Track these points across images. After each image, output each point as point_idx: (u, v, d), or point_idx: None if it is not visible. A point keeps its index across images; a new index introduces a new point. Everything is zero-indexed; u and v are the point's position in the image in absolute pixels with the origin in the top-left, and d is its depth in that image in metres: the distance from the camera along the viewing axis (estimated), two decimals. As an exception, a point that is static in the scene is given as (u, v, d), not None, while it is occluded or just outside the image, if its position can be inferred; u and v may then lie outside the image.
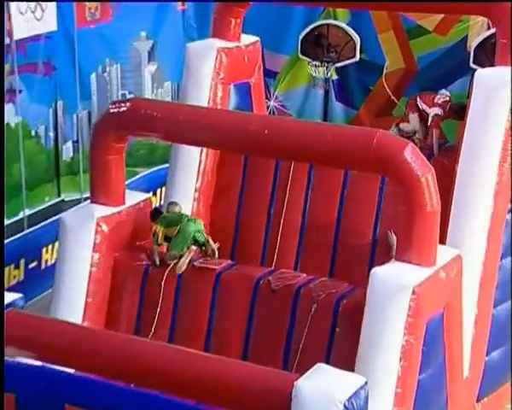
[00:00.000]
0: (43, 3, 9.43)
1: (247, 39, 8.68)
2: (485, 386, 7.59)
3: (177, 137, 7.43)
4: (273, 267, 7.75)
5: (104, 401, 5.77)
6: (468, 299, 7.09)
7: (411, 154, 6.42)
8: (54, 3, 9.58)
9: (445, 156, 7.89)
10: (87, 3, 10.20)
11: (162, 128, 7.22)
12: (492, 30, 9.29)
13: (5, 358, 5.84)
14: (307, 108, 11.76)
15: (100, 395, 5.81)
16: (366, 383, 5.71)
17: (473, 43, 10.31)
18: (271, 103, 11.77)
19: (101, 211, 7.44)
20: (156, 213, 7.64)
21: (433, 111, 7.90)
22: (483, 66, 8.71)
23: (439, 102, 7.90)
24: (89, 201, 7.69)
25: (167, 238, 7.49)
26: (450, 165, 7.58)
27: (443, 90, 8.14)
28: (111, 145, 7.41)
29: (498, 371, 7.72)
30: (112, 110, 7.29)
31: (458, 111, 7.79)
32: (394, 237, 7.27)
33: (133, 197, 7.76)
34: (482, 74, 7.57)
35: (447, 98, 7.96)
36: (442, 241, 6.95)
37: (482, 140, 7.31)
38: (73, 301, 7.31)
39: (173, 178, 8.37)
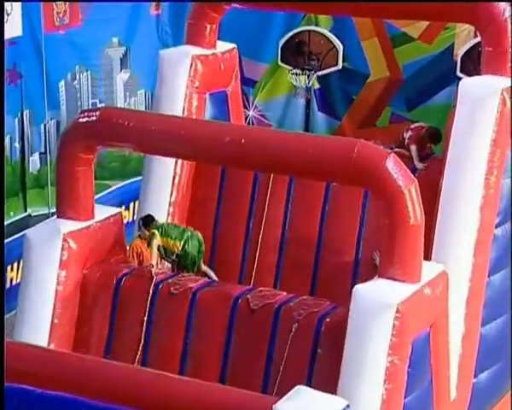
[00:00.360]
0: (8, 7, 9.13)
1: (224, 46, 8.53)
2: (473, 409, 7.35)
3: (149, 147, 7.20)
4: (252, 285, 7.55)
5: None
6: (454, 317, 6.90)
7: (393, 164, 6.24)
8: (19, 7, 9.27)
9: (430, 168, 7.71)
10: (55, 7, 9.91)
11: (134, 138, 7.00)
12: (479, 38, 9.10)
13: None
14: (288, 119, 11.58)
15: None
16: (348, 405, 5.53)
17: (459, 52, 10.19)
18: (250, 113, 11.58)
19: (69, 226, 7.17)
20: (149, 219, 7.45)
21: (408, 134, 8.05)
22: (470, 75, 8.55)
23: (412, 127, 8.18)
24: (55, 216, 7.41)
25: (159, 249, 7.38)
26: (435, 177, 7.39)
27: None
28: (79, 156, 7.16)
29: (487, 393, 7.50)
30: (80, 119, 7.09)
31: (433, 135, 7.98)
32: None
33: (103, 212, 7.50)
34: (467, 84, 7.42)
35: (422, 124, 8.25)
36: (427, 256, 6.76)
37: (467, 152, 7.18)
38: (39, 323, 7.05)
39: (146, 192, 8.19)
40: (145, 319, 7.10)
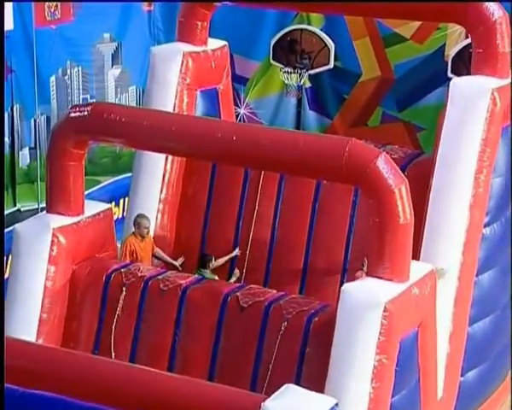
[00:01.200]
0: (-1, 1, 9.10)
1: (215, 44, 8.51)
2: (459, 408, 7.36)
3: (140, 143, 7.19)
4: (242, 282, 7.50)
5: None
6: (442, 316, 6.92)
7: (384, 164, 6.24)
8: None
9: (420, 167, 7.70)
10: (46, 2, 9.87)
11: (124, 134, 6.99)
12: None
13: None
14: (279, 117, 11.56)
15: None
16: (337, 404, 5.52)
17: (451, 52, 10.19)
18: (242, 111, 11.54)
19: (59, 221, 7.15)
20: (207, 259, 7.61)
21: None
22: (461, 75, 8.54)
23: None
24: (45, 211, 7.37)
25: None
26: (425, 176, 7.38)
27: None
28: (70, 151, 7.14)
29: (474, 392, 7.51)
30: (71, 114, 7.06)
31: None
32: None
33: (93, 207, 7.48)
34: (457, 83, 7.44)
35: None
36: (416, 255, 6.77)
37: (457, 151, 7.19)
38: (27, 317, 7.01)
39: (137, 189, 8.16)
40: (134, 315, 7.08)
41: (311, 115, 11.54)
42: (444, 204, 7.13)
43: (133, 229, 7.69)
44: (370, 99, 11.32)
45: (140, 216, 7.64)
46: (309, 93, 11.45)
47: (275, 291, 7.02)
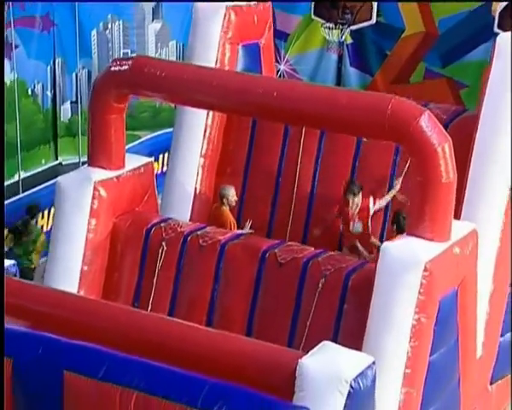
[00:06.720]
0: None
1: (258, -2, 8.39)
2: (498, 368, 7.33)
3: (180, 98, 7.14)
4: (286, 239, 7.49)
5: (104, 368, 5.49)
6: (483, 275, 6.81)
7: (428, 121, 6.12)
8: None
9: (464, 124, 7.56)
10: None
11: (165, 88, 6.95)
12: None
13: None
14: (320, 73, 11.42)
15: (100, 362, 5.55)
16: (374, 362, 5.48)
17: (498, 7, 9.92)
18: (281, 67, 11.40)
19: (100, 175, 7.18)
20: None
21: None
22: (508, 30, 8.30)
23: None
24: (86, 164, 7.42)
25: None
26: (468, 133, 7.23)
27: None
28: (111, 104, 7.13)
29: (513, 353, 7.44)
30: (113, 68, 7.03)
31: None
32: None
33: (134, 161, 7.49)
34: (504, 38, 7.22)
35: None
36: (457, 215, 6.67)
37: (502, 109, 6.99)
38: (69, 269, 7.09)
39: (177, 144, 8.14)
40: (174, 269, 7.13)
41: (351, 72, 11.37)
42: (487, 163, 6.99)
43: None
44: (413, 55, 11.10)
45: (225, 189, 7.56)
46: (350, 49, 11.27)
47: (313, 248, 6.99)
